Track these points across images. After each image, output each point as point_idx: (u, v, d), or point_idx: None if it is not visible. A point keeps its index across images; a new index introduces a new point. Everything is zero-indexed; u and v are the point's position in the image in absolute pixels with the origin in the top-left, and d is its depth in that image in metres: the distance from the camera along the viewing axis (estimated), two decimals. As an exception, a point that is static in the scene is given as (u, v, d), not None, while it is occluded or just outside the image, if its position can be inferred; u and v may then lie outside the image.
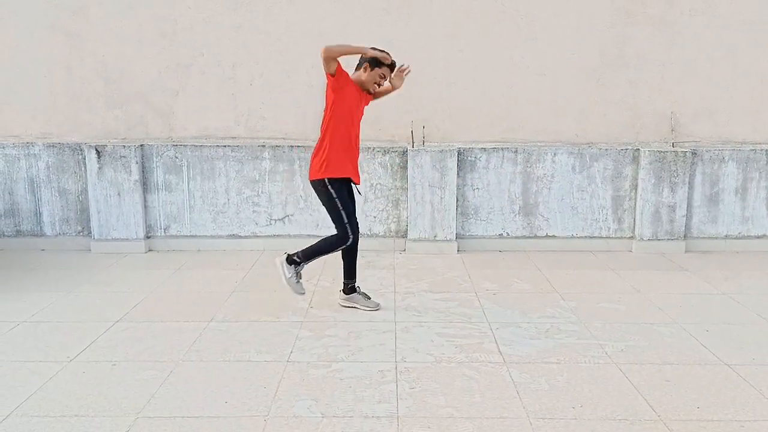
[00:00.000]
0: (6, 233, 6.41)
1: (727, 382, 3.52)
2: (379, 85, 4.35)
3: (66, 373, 3.60)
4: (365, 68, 4.29)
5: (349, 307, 4.61)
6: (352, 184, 4.47)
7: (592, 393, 3.39)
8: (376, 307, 4.58)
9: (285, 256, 4.50)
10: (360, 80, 4.32)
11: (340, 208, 4.29)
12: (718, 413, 3.19)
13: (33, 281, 5.32)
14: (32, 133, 6.44)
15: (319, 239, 4.53)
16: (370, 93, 4.42)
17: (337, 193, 4.29)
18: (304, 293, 4.58)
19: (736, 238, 6.48)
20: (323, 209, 6.36)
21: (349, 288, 4.64)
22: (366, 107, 4.51)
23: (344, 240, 4.33)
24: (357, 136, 4.39)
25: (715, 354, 3.89)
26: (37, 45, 6.33)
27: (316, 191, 4.41)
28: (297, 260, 4.47)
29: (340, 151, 4.27)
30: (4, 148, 6.31)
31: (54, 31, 6.31)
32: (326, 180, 4.28)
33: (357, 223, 4.39)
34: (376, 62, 4.24)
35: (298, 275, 4.51)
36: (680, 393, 3.39)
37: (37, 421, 3.10)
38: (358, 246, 4.55)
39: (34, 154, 6.33)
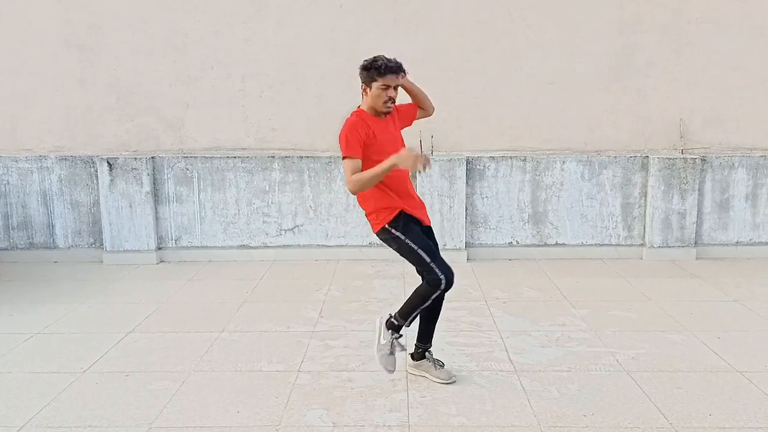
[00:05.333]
0: (19, 246, 6.48)
1: (739, 390, 3.50)
2: (392, 101, 3.44)
3: (79, 384, 3.63)
4: (364, 91, 3.50)
5: (418, 375, 3.71)
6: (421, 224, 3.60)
7: (604, 401, 3.38)
8: (450, 380, 3.61)
9: (387, 317, 3.67)
10: (373, 109, 3.49)
11: (416, 248, 3.45)
12: (731, 420, 3.17)
13: (46, 293, 5.37)
14: (45, 146, 6.52)
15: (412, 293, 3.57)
16: (387, 114, 3.52)
17: (404, 232, 3.47)
18: (391, 372, 3.60)
19: (747, 244, 6.45)
20: (333, 219, 6.43)
21: (419, 353, 3.73)
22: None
23: (437, 284, 3.40)
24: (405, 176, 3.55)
25: (727, 361, 3.87)
26: (51, 59, 6.42)
27: (387, 244, 3.57)
28: (395, 323, 3.58)
29: (390, 194, 3.50)
30: (17, 161, 6.39)
31: (67, 45, 6.40)
32: (387, 226, 3.49)
33: (445, 262, 3.50)
34: (370, 76, 3.44)
35: (395, 345, 3.59)
36: (692, 400, 3.38)
37: (51, 431, 3.13)
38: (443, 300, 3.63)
39: (47, 167, 6.40)
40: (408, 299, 3.54)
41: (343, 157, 3.33)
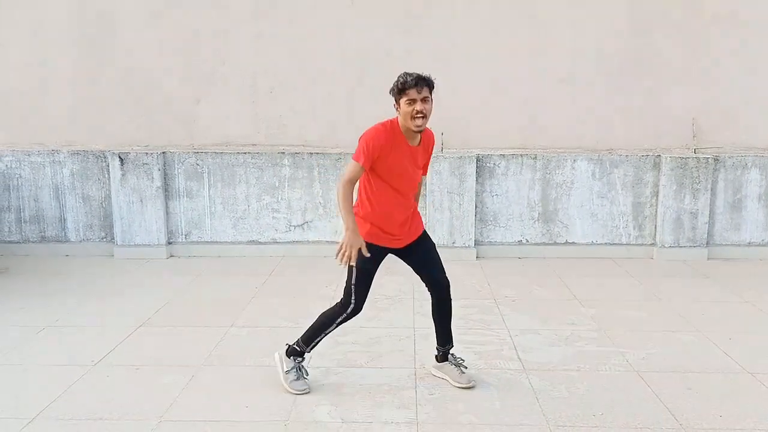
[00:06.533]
0: (31, 239, 6.52)
1: (750, 391, 3.48)
2: (419, 117, 3.26)
3: (90, 377, 3.66)
4: (396, 107, 3.36)
5: (440, 378, 3.66)
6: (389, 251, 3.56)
7: (613, 401, 3.36)
8: (469, 384, 3.55)
9: (285, 348, 3.65)
10: (405, 128, 3.33)
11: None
12: (741, 422, 3.15)
13: (57, 286, 5.40)
14: (57, 140, 6.56)
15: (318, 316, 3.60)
16: (418, 131, 3.34)
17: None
18: (306, 392, 3.47)
19: (760, 245, 6.39)
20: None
21: (442, 355, 3.68)
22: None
23: (344, 308, 3.46)
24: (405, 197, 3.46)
25: (738, 362, 3.84)
26: (63, 55, 6.45)
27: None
28: (298, 349, 3.56)
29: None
30: (29, 155, 6.43)
31: (79, 41, 6.43)
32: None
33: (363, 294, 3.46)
34: (396, 94, 3.32)
35: (300, 370, 3.54)
36: (702, 401, 3.36)
37: (62, 423, 3.15)
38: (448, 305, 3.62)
39: (59, 161, 6.44)
40: (315, 321, 3.55)
41: (353, 157, 3.31)
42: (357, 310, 3.45)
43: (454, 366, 3.62)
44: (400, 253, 3.57)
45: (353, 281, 3.42)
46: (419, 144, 3.42)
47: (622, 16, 6.28)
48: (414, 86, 3.26)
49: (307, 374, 3.55)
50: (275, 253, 6.41)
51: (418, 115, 3.27)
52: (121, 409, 3.29)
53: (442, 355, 3.66)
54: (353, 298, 3.42)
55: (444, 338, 3.66)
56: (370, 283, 3.46)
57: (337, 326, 3.50)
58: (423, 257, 3.58)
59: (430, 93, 3.33)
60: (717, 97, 6.36)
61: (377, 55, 6.37)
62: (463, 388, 3.53)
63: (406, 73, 3.31)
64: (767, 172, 6.30)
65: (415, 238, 3.56)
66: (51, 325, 4.48)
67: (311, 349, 3.57)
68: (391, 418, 3.19)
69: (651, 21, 6.28)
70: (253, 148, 6.49)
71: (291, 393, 3.45)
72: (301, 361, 3.55)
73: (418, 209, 3.65)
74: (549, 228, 6.42)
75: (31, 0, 6.37)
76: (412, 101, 3.26)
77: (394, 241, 3.49)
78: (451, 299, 3.62)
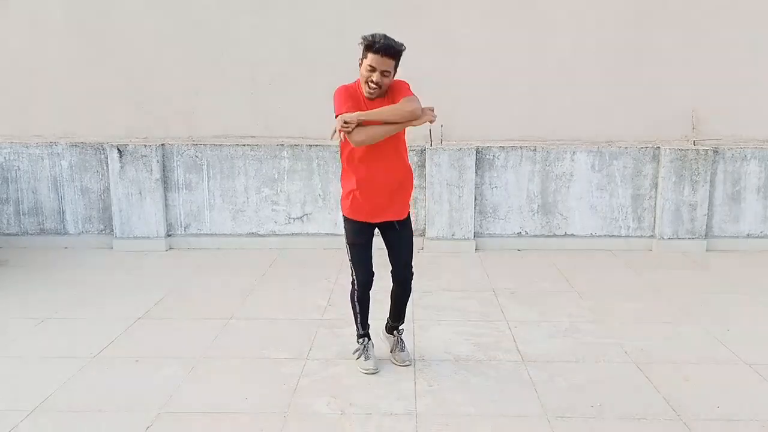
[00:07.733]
0: (30, 231, 6.52)
1: (747, 382, 3.49)
2: (376, 85, 3.25)
3: (90, 369, 3.66)
4: (360, 61, 3.34)
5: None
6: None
7: (611, 392, 3.38)
8: (404, 363, 3.72)
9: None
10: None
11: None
12: (739, 413, 3.16)
13: (56, 279, 5.41)
14: (55, 132, 6.54)
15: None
16: (371, 97, 3.34)
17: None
18: (371, 372, 3.60)
19: (758, 237, 6.39)
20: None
21: (390, 327, 3.87)
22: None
23: (352, 284, 3.65)
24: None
25: (736, 353, 3.85)
26: (61, 46, 6.42)
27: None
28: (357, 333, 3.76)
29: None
30: (27, 147, 6.42)
31: (77, 32, 6.40)
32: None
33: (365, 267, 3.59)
34: (363, 51, 3.27)
35: (364, 350, 3.69)
36: (700, 392, 3.37)
37: (61, 415, 3.16)
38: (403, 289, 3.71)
39: (58, 153, 6.43)
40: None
41: (336, 116, 3.30)
42: (363, 281, 3.58)
43: (396, 342, 3.79)
44: (380, 227, 3.60)
45: (349, 257, 3.61)
46: (384, 97, 3.36)
47: (622, 7, 6.25)
48: (379, 53, 3.20)
49: (372, 352, 3.67)
50: (274, 246, 6.41)
51: (372, 86, 3.27)
52: (121, 401, 3.30)
53: (390, 328, 3.85)
54: (353, 271, 3.60)
55: (395, 315, 3.81)
56: (368, 254, 3.59)
57: (359, 303, 3.65)
58: (393, 243, 3.64)
59: (395, 65, 3.28)
60: (717, 89, 6.35)
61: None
62: (397, 365, 3.70)
63: (380, 36, 3.22)
64: (766, 163, 6.30)
65: (394, 218, 3.56)
66: (50, 317, 4.49)
67: (361, 328, 3.70)
68: (391, 410, 3.20)
69: (651, 11, 6.25)
70: (252, 140, 6.48)
71: (360, 372, 3.60)
72: (364, 342, 3.68)
73: (410, 202, 3.67)
74: (548, 220, 6.42)
75: (28, -9, 6.36)
76: (372, 69, 3.23)
77: (372, 215, 3.51)
78: (409, 290, 3.72)
